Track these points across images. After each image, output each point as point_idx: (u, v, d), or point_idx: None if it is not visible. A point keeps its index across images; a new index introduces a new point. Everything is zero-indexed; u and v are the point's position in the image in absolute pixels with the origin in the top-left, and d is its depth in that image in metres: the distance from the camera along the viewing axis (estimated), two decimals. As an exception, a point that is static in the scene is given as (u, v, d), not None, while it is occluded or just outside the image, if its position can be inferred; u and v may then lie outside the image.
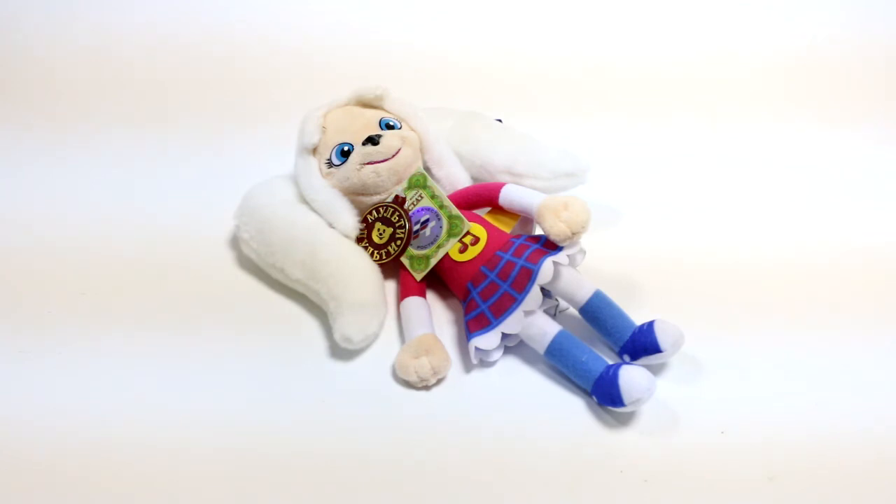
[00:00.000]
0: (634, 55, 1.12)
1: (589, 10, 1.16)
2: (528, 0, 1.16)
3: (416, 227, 0.81)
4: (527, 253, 0.74)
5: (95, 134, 1.05)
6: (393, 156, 0.82)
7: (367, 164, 0.81)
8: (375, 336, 0.78)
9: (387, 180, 0.82)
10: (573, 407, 0.72)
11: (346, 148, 0.82)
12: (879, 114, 1.05)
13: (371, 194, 0.83)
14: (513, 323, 0.72)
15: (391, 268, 0.82)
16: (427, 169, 0.85)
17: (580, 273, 0.76)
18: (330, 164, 0.82)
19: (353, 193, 0.83)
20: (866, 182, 0.96)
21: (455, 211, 0.79)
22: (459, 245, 0.78)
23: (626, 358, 0.74)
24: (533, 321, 0.72)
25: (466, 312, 0.75)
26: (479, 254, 0.76)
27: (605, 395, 0.69)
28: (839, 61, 1.08)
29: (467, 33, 1.14)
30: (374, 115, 0.85)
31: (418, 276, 0.79)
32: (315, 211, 0.82)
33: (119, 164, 1.00)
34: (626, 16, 1.14)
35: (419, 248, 0.80)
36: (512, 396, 0.73)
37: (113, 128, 1.05)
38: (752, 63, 1.09)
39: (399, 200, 0.82)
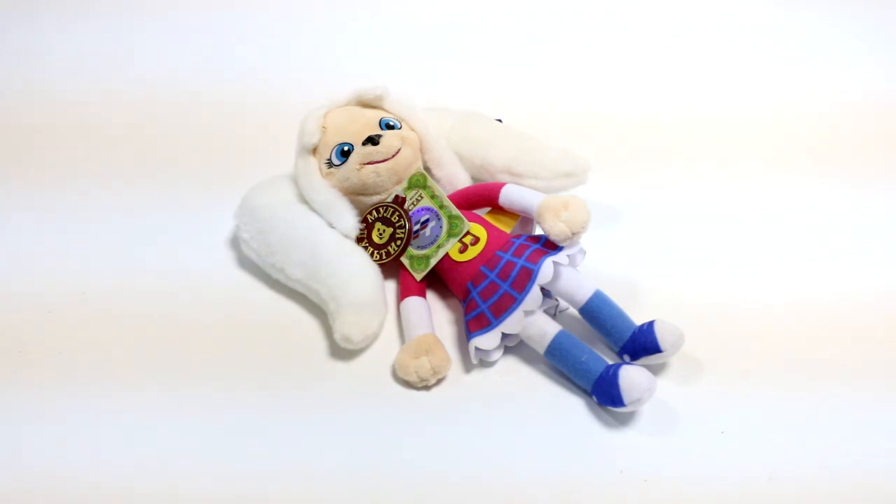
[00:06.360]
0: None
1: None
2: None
3: (416, 227, 0.81)
4: (527, 253, 0.74)
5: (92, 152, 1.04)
6: (393, 156, 0.82)
7: (367, 164, 0.81)
8: (375, 336, 0.78)
9: (387, 180, 0.82)
10: (573, 407, 0.72)
11: (346, 148, 0.82)
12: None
13: (371, 194, 0.83)
14: (513, 323, 0.72)
15: (391, 268, 0.82)
16: (427, 169, 0.85)
17: (580, 273, 0.76)
18: (330, 164, 0.82)
19: (353, 193, 0.83)
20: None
21: (455, 211, 0.79)
22: (459, 245, 0.78)
23: (626, 358, 0.74)
24: (533, 321, 0.72)
25: (466, 312, 0.75)
26: (479, 254, 0.76)
27: (605, 395, 0.69)
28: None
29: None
30: (375, 115, 0.85)
31: (418, 276, 0.79)
32: (315, 211, 0.82)
33: (117, 181, 1.00)
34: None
35: (419, 248, 0.80)
36: (512, 396, 0.73)
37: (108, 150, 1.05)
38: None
39: (399, 200, 0.82)
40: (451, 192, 0.84)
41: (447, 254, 0.78)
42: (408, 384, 0.74)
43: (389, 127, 0.84)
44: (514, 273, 0.73)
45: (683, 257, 0.86)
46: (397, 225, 0.81)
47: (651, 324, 0.73)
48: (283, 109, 1.00)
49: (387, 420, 0.72)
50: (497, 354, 0.76)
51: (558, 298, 0.77)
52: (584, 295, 0.75)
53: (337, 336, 0.75)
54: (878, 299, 0.81)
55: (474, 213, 0.81)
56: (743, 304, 0.81)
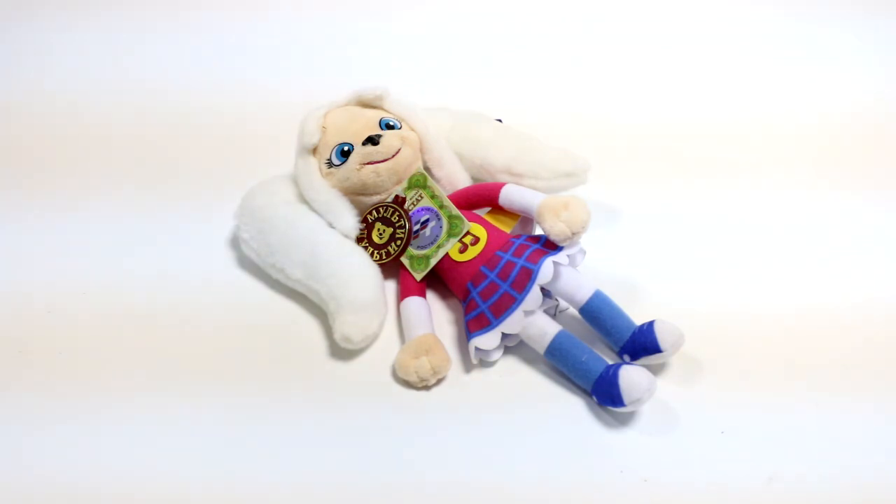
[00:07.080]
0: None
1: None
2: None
3: (416, 227, 0.81)
4: (527, 253, 0.74)
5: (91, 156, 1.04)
6: (393, 156, 0.82)
7: (367, 164, 0.81)
8: (375, 336, 0.78)
9: (387, 180, 0.82)
10: (573, 407, 0.72)
11: (346, 148, 0.82)
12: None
13: (371, 194, 0.83)
14: (513, 323, 0.72)
15: (391, 268, 0.82)
16: (427, 169, 0.85)
17: (580, 273, 0.76)
18: (330, 164, 0.82)
19: (353, 193, 0.83)
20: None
21: (455, 211, 0.79)
22: (459, 245, 0.78)
23: (626, 358, 0.74)
24: (533, 321, 0.72)
25: (466, 312, 0.75)
26: (479, 254, 0.76)
27: (605, 395, 0.69)
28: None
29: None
30: (375, 115, 0.85)
31: (418, 276, 0.79)
32: (315, 211, 0.82)
33: (118, 181, 0.99)
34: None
35: (419, 248, 0.80)
36: (512, 396, 0.73)
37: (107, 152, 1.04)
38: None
39: (399, 200, 0.82)
40: (451, 192, 0.84)
41: (447, 254, 0.78)
42: (408, 384, 0.74)
43: (389, 127, 0.84)
44: (514, 273, 0.73)
45: (683, 258, 0.86)
46: (397, 225, 0.81)
47: (651, 324, 0.73)
48: (283, 109, 1.00)
49: (386, 420, 0.72)
50: (497, 354, 0.76)
51: (558, 298, 0.77)
52: (584, 295, 0.75)
53: (337, 336, 0.75)
54: (879, 302, 0.81)
55: (474, 213, 0.81)
56: (743, 304, 0.81)
